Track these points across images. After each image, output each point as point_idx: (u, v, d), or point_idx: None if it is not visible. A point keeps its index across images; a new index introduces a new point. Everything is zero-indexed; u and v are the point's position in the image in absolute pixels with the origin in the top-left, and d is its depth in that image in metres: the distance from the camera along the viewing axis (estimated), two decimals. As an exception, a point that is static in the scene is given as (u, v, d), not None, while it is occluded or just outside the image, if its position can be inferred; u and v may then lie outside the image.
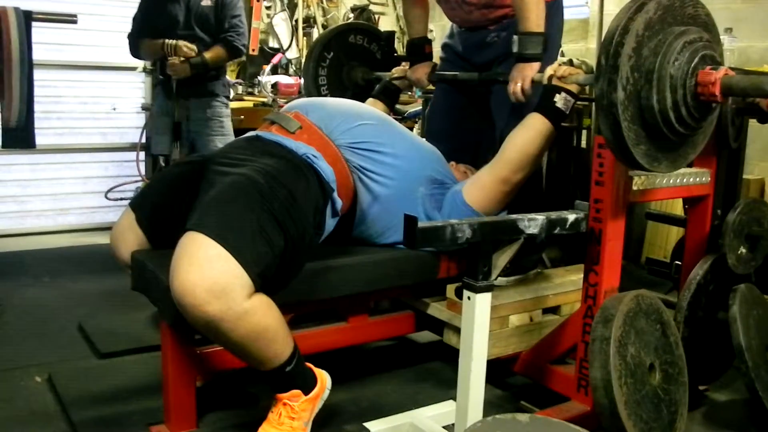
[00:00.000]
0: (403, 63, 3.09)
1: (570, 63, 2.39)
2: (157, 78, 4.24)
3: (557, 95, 2.35)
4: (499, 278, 2.49)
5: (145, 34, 3.99)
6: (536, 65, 2.48)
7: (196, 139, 4.12)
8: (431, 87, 3.20)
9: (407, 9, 3.08)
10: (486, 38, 2.82)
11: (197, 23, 3.96)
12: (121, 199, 5.08)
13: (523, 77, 2.48)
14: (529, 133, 2.36)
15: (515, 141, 2.37)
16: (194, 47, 3.90)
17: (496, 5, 2.73)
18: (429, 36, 3.07)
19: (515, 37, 2.52)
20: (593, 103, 3.55)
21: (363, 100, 2.95)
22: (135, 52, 4.13)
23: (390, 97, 3.09)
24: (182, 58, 3.86)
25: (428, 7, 3.03)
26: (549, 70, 2.39)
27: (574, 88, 2.36)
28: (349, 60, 3.24)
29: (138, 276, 2.16)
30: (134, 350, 2.83)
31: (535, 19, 2.49)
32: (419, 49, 3.01)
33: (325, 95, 3.16)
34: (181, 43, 3.87)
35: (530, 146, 2.34)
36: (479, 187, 2.36)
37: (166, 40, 3.87)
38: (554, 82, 2.37)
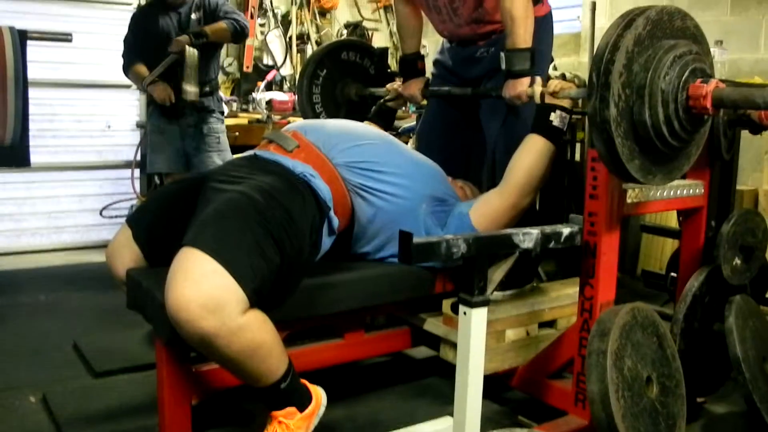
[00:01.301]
0: (396, 79, 3.10)
1: (563, 77, 2.40)
2: (151, 97, 4.25)
3: (552, 113, 2.37)
4: (495, 293, 2.48)
5: (137, 55, 4.04)
6: (525, 80, 2.49)
7: (193, 156, 4.13)
8: (425, 102, 3.21)
9: (401, 24, 3.09)
10: (475, 54, 2.84)
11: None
12: (117, 216, 5.09)
13: (516, 94, 2.50)
14: (532, 156, 2.38)
15: (521, 166, 2.39)
16: (168, 94, 3.95)
17: (485, 20, 2.74)
18: (422, 51, 3.08)
19: (502, 54, 2.53)
20: (586, 117, 3.57)
21: (357, 117, 2.97)
22: (126, 71, 4.18)
23: (385, 119, 3.09)
24: (162, 89, 3.95)
25: (422, 23, 3.04)
26: (539, 87, 2.39)
27: (566, 102, 2.38)
28: (343, 77, 3.24)
29: (133, 294, 2.15)
30: (129, 369, 2.82)
31: (522, 35, 2.50)
32: (412, 65, 3.02)
33: (320, 112, 3.17)
34: (158, 89, 3.96)
35: (535, 169, 2.38)
36: (490, 214, 2.37)
37: (146, 76, 3.96)
38: (547, 99, 2.38)
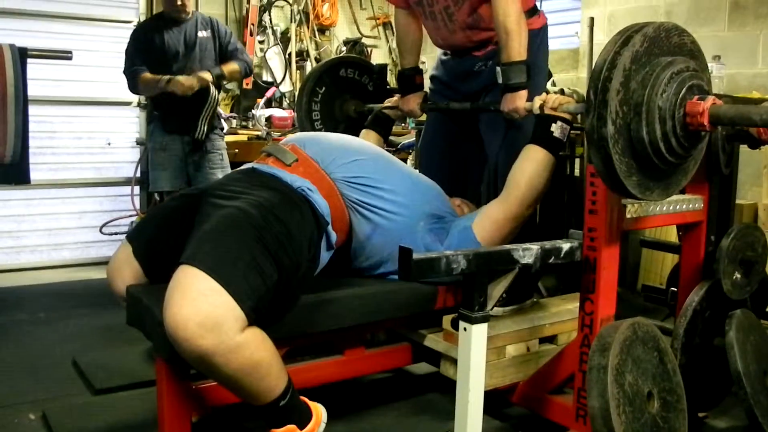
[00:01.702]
0: (396, 95, 3.11)
1: (561, 93, 2.42)
2: (152, 113, 4.26)
3: (553, 124, 2.38)
4: (495, 308, 2.48)
5: (141, 67, 4.00)
6: (523, 93, 2.51)
7: (196, 173, 4.13)
8: (424, 117, 3.21)
9: (400, 38, 3.09)
10: (474, 67, 2.84)
11: (198, 53, 4.02)
12: (116, 233, 5.09)
13: (515, 108, 2.51)
14: (533, 167, 2.39)
15: (522, 177, 2.39)
16: (193, 81, 3.91)
17: (481, 27, 2.73)
18: (421, 67, 3.08)
19: (498, 69, 2.54)
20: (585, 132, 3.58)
21: (356, 133, 2.97)
22: (134, 88, 4.14)
23: (382, 126, 3.09)
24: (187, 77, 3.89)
25: (421, 37, 3.04)
26: (538, 100, 2.41)
27: (565, 117, 2.39)
28: (342, 93, 3.26)
29: (133, 310, 2.15)
30: (129, 386, 2.81)
31: (517, 48, 2.51)
32: (410, 80, 3.02)
33: (319, 129, 3.17)
34: (181, 78, 3.89)
35: (536, 180, 2.38)
36: (492, 226, 2.37)
37: (163, 76, 3.89)
38: (547, 111, 2.39)
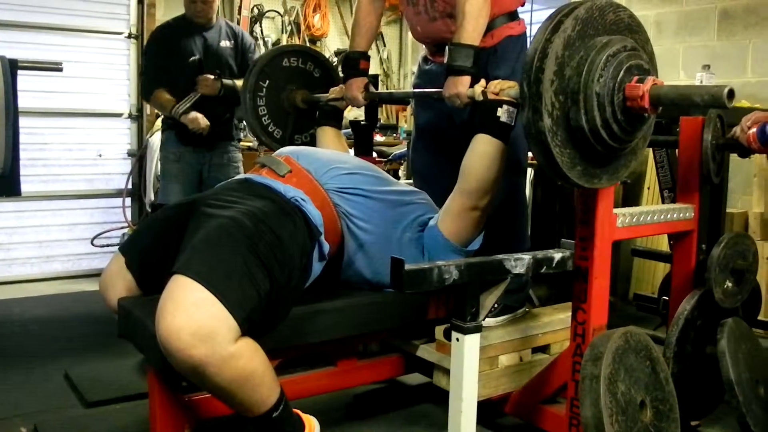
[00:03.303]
0: (339, 85, 3.00)
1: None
2: (166, 122, 4.04)
3: (499, 109, 2.27)
4: (488, 319, 2.48)
5: (159, 79, 3.85)
6: (466, 79, 2.40)
7: (211, 187, 3.78)
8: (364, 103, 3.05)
9: (357, 21, 2.98)
10: None
11: (216, 64, 3.83)
12: (107, 245, 5.08)
13: (456, 93, 2.41)
14: (482, 160, 2.29)
15: (472, 169, 2.31)
16: (206, 124, 3.76)
17: None
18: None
19: (447, 48, 2.46)
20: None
21: (306, 123, 2.96)
22: (147, 97, 3.99)
23: (333, 118, 3.01)
24: (213, 77, 3.74)
25: (378, 27, 3.00)
26: (479, 87, 2.31)
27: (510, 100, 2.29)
28: (287, 84, 3.14)
29: (124, 323, 2.14)
30: (121, 398, 2.80)
31: (470, 32, 2.44)
32: (354, 63, 2.93)
33: (267, 124, 3.08)
34: (198, 117, 3.74)
35: (487, 171, 2.29)
36: (453, 221, 2.32)
37: (177, 107, 3.74)
38: (490, 96, 2.29)
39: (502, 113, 2.26)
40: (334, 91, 2.97)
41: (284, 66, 3.13)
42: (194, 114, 3.74)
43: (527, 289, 2.78)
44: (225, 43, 3.90)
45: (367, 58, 2.96)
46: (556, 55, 1.70)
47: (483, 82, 2.32)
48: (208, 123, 3.76)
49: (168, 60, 3.84)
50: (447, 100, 2.45)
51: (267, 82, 3.08)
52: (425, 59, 2.94)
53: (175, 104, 3.76)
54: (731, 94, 1.65)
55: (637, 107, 1.74)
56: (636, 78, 1.75)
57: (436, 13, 2.71)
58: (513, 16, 2.74)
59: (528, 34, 2.81)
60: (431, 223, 2.37)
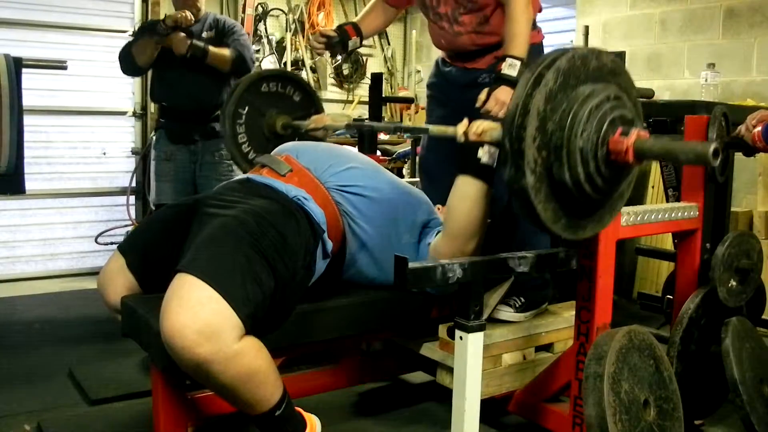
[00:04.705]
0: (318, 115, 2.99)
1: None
2: (158, 121, 4.06)
3: (480, 149, 2.16)
4: (515, 314, 2.49)
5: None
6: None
7: (203, 185, 3.89)
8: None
9: (365, 12, 3.03)
10: (477, 78, 2.76)
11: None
12: (112, 243, 5.08)
13: (502, 103, 2.37)
14: (464, 202, 2.18)
15: (454, 211, 2.21)
16: (190, 16, 3.72)
17: (485, 32, 2.69)
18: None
19: (509, 60, 2.45)
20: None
21: None
22: (128, 63, 3.88)
23: None
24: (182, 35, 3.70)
25: (383, 27, 3.04)
26: (461, 128, 2.19)
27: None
28: (267, 109, 3.03)
29: (128, 321, 2.15)
30: (125, 396, 2.80)
31: (523, 44, 2.49)
32: (343, 33, 2.92)
33: (247, 152, 3.00)
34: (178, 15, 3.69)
35: (471, 214, 2.18)
36: (441, 257, 2.19)
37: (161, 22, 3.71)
38: (471, 138, 2.15)
39: (483, 154, 2.14)
40: (313, 120, 2.91)
41: (263, 91, 3.04)
42: (174, 34, 3.70)
43: (551, 285, 2.76)
44: (206, 34, 3.87)
45: (359, 31, 2.94)
46: (537, 111, 1.64)
47: (465, 122, 2.19)
48: (185, 15, 3.70)
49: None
50: (482, 111, 2.42)
51: (246, 108, 2.98)
52: (444, 61, 2.94)
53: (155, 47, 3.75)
54: (716, 153, 1.58)
55: (621, 161, 1.70)
56: (620, 131, 1.69)
57: (461, 29, 2.73)
58: (533, 25, 2.74)
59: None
60: (429, 240, 2.33)
